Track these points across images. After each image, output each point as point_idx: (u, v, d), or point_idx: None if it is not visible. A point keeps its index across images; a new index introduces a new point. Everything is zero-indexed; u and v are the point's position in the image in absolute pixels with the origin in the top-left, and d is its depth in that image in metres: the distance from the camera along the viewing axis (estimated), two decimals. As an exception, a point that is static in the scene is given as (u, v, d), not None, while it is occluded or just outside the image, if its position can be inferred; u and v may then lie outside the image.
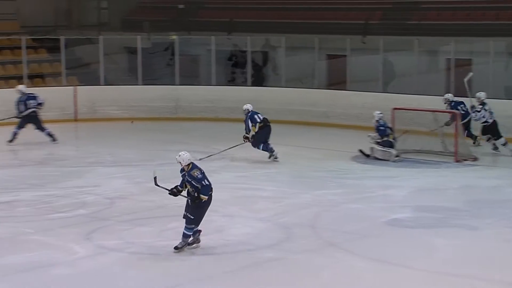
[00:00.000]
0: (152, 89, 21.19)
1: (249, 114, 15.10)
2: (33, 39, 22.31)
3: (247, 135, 15.07)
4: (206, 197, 9.47)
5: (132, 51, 21.75)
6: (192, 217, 9.50)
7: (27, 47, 21.16)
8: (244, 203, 12.17)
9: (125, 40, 22.53)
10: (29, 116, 16.88)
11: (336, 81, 20.81)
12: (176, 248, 9.52)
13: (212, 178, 13.61)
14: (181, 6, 24.58)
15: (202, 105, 20.65)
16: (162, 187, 9.67)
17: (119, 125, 19.90)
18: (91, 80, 21.51)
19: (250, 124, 15.04)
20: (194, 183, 9.47)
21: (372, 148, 15.43)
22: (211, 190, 9.55)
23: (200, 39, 22.38)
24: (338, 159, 15.54)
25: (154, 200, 12.18)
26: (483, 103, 15.70)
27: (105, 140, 17.96)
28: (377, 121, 15.42)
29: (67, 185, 13.24)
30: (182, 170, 9.58)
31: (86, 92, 20.54)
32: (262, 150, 15.12)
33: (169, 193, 9.70)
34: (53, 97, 19.84)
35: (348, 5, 22.49)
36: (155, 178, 9.64)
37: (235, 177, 13.98)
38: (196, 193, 9.46)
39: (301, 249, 9.84)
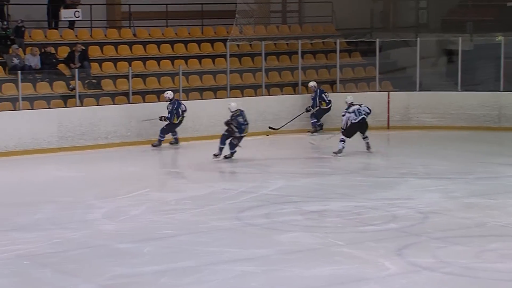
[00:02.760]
0: (473, 96, 20.71)
1: (318, 92, 19.82)
2: (347, 42, 22.89)
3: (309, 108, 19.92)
4: None
5: (451, 53, 21.45)
6: None
7: (341, 51, 21.79)
8: None
9: (444, 42, 22.27)
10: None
11: None
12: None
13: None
14: (509, 4, 23.71)
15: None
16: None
17: (433, 134, 19.72)
18: (406, 85, 21.56)
19: (318, 101, 19.78)
20: None
21: None
22: None
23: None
24: None
25: (472, 217, 11.90)
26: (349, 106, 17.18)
27: (419, 150, 17.89)
28: None
29: (377, 196, 13.36)
30: None
31: (400, 98, 20.65)
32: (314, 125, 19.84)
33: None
34: (365, 102, 20.24)
35: None
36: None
37: None
38: None
39: None
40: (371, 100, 20.41)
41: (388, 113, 20.55)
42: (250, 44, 22.02)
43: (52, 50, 19.66)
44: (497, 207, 12.51)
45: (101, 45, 20.83)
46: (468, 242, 10.69)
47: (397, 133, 20.11)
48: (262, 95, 20.64)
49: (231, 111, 16.43)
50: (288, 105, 20.17)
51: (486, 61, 21.74)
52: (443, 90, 21.21)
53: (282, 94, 21.23)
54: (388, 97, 20.61)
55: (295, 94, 21.08)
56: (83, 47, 19.84)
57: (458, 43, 20.65)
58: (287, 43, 22.55)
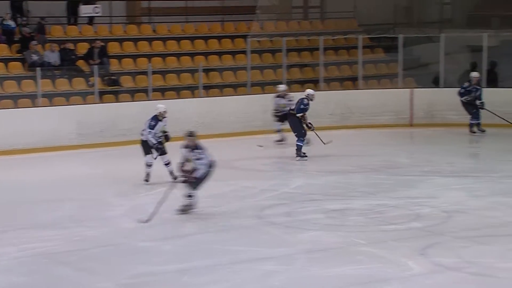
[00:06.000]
0: (495, 93, 20.58)
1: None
2: (370, 38, 22.84)
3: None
4: None
5: (476, 50, 21.34)
6: None
7: (364, 47, 21.73)
8: None
9: (469, 38, 22.14)
10: None
11: None
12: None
13: None
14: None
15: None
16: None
17: (458, 131, 19.65)
18: (430, 82, 21.49)
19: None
20: None
21: None
22: None
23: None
24: None
25: (497, 216, 11.87)
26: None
27: (442, 148, 17.83)
28: None
29: (400, 194, 13.34)
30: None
31: (423, 95, 20.56)
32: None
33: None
34: (387, 99, 20.24)
35: None
36: None
37: None
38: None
39: None
40: (394, 97, 20.45)
41: (411, 110, 20.49)
42: (271, 40, 22.04)
43: (72, 46, 19.80)
44: (523, 206, 12.47)
45: (120, 41, 20.94)
46: (493, 241, 10.66)
47: (421, 131, 20.05)
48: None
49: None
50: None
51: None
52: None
53: (302, 91, 21.18)
54: (411, 94, 20.54)
55: (316, 90, 21.03)
56: (102, 43, 19.96)
57: (482, 39, 20.52)
58: (308, 39, 22.56)
